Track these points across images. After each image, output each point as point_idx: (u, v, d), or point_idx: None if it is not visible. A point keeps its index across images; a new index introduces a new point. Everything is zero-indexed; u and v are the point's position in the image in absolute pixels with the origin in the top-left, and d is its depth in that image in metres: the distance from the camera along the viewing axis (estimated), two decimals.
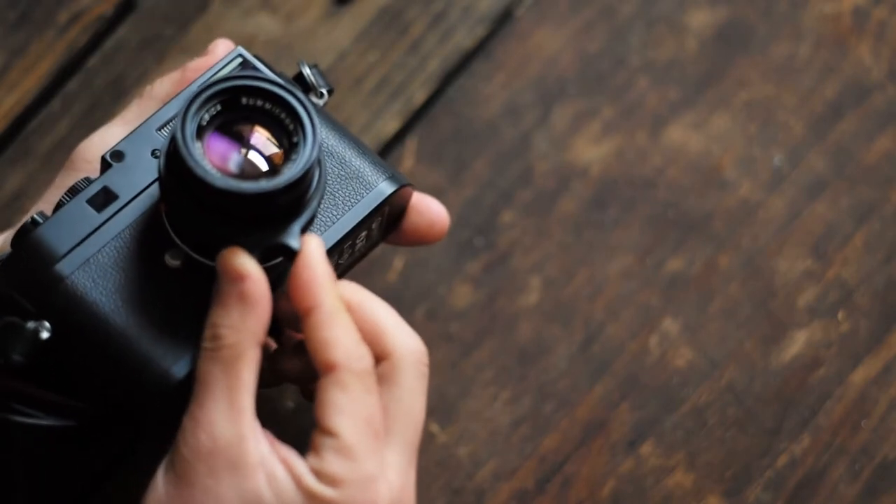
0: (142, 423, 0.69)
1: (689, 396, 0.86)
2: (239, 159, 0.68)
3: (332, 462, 0.66)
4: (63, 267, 0.69)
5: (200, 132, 0.67)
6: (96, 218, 0.70)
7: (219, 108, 0.68)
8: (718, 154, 0.89)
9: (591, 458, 0.85)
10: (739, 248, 0.88)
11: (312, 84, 0.75)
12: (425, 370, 0.69)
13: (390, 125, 0.89)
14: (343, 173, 0.73)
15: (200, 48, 0.89)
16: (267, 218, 0.68)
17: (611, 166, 0.89)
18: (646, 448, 0.85)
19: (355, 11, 0.91)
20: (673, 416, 0.85)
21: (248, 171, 0.68)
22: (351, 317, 0.68)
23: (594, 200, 0.88)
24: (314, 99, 0.75)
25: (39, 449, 0.71)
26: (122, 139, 0.71)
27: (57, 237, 0.70)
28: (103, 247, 0.70)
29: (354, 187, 0.73)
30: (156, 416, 0.70)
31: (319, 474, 0.66)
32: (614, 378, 0.86)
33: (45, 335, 0.69)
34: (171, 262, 0.70)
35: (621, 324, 0.86)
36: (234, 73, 0.70)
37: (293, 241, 0.68)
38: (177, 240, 0.69)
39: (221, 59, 0.73)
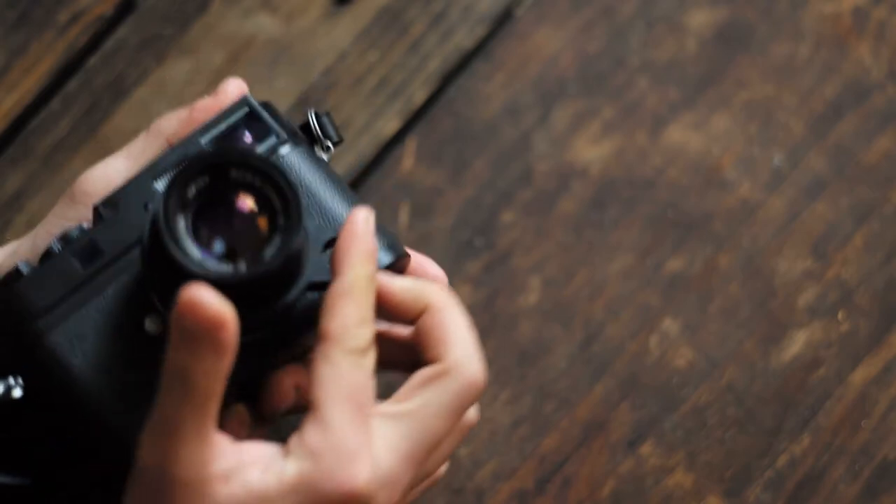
0: (104, 488, 0.68)
1: (689, 396, 0.86)
2: (225, 238, 0.67)
3: (308, 433, 0.65)
4: (43, 324, 0.68)
5: (186, 205, 0.66)
6: (80, 274, 0.68)
7: (207, 180, 0.66)
8: (718, 154, 0.89)
9: (591, 458, 0.85)
10: (739, 248, 0.88)
11: (317, 136, 0.73)
12: (467, 401, 0.68)
13: (390, 125, 0.89)
14: (323, 236, 0.70)
15: (200, 48, 0.89)
16: (254, 297, 0.67)
17: (611, 166, 0.89)
18: (646, 448, 0.85)
19: (355, 11, 0.91)
20: (673, 416, 0.85)
21: (233, 251, 0.67)
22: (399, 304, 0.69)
23: (594, 200, 0.88)
24: (319, 152, 0.73)
25: None
26: (117, 188, 0.70)
27: (40, 291, 0.68)
28: (84, 306, 0.68)
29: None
30: (119, 484, 0.67)
31: (297, 447, 0.65)
32: (614, 378, 0.86)
33: (17, 394, 0.68)
34: (151, 327, 0.68)
35: (621, 324, 0.86)
36: (225, 147, 0.68)
37: (266, 325, 0.67)
38: (158, 306, 0.68)
39: (228, 108, 0.72)
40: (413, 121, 0.89)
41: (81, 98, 0.89)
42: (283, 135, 0.71)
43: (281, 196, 0.66)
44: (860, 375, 0.86)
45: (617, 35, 0.91)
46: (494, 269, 0.87)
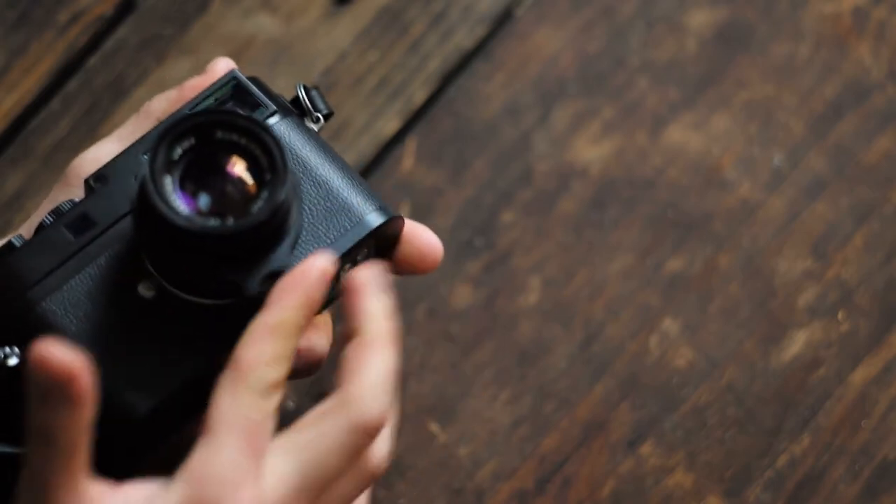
0: (101, 454, 0.68)
1: (689, 396, 0.86)
2: (212, 195, 0.67)
3: (197, 458, 0.65)
4: (35, 293, 0.68)
5: (172, 166, 0.66)
6: (73, 244, 0.69)
7: (193, 141, 0.67)
8: (718, 154, 0.89)
9: (591, 458, 0.85)
10: (739, 248, 0.88)
11: (307, 108, 0.73)
12: (360, 438, 0.66)
13: (390, 125, 0.89)
14: (329, 205, 0.71)
15: (200, 48, 0.89)
16: (242, 254, 0.67)
17: (611, 166, 0.89)
18: (646, 448, 0.85)
19: (355, 11, 0.91)
20: (673, 416, 0.85)
21: (221, 209, 0.67)
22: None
23: (594, 200, 0.88)
24: (309, 124, 0.74)
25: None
26: (108, 162, 0.70)
27: (32, 262, 0.68)
28: (77, 274, 0.69)
29: (339, 219, 0.71)
30: (116, 449, 0.68)
31: (183, 473, 0.65)
32: (614, 378, 0.86)
33: (13, 361, 0.68)
34: (145, 293, 0.68)
35: (621, 324, 0.86)
36: (210, 108, 0.69)
37: (251, 285, 0.67)
38: (151, 270, 0.68)
39: (216, 82, 0.72)
40: (413, 121, 0.89)
41: (81, 98, 0.89)
42: (272, 106, 0.72)
43: (266, 152, 0.67)
44: (860, 375, 0.86)
45: (617, 35, 0.91)
46: (494, 269, 0.87)
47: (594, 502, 0.84)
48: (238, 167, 0.68)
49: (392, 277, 0.70)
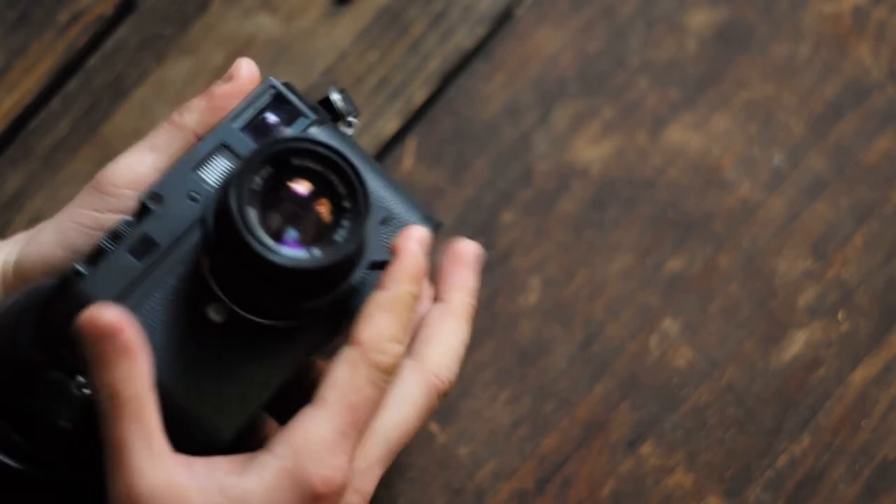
0: None
1: (689, 396, 0.86)
2: (294, 225, 0.68)
3: (300, 427, 0.68)
4: None
5: (253, 196, 0.67)
6: (137, 268, 0.69)
7: (270, 170, 0.67)
8: (718, 154, 0.89)
9: (591, 458, 0.85)
10: (739, 248, 0.88)
11: (341, 112, 0.75)
12: (432, 403, 0.72)
13: (390, 125, 0.89)
14: (377, 215, 0.73)
15: (200, 48, 0.89)
16: (323, 281, 0.68)
17: (611, 166, 0.89)
18: (646, 448, 0.85)
19: (355, 11, 0.91)
20: (673, 416, 0.85)
21: (304, 239, 0.68)
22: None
23: (594, 200, 0.88)
24: (343, 128, 0.75)
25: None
26: (160, 180, 0.71)
27: (100, 290, 0.69)
28: (146, 299, 0.69)
29: (387, 229, 0.73)
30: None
31: (282, 441, 0.68)
32: (614, 378, 0.86)
33: (88, 391, 0.69)
34: (214, 316, 0.69)
35: (621, 324, 0.86)
36: (288, 136, 0.68)
37: (325, 304, 0.69)
38: (220, 294, 0.69)
39: (254, 93, 0.72)
40: (413, 121, 0.89)
41: (81, 98, 0.89)
42: (312, 115, 0.72)
43: (345, 181, 0.68)
44: (860, 375, 0.86)
45: (617, 35, 0.91)
46: (494, 269, 0.87)
47: (594, 502, 0.84)
48: (316, 194, 0.68)
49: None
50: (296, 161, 0.68)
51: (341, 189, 0.68)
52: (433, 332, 0.72)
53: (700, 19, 0.91)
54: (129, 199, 0.71)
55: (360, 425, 0.68)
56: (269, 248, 0.66)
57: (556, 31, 0.91)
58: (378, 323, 0.69)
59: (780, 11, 0.91)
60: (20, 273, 0.72)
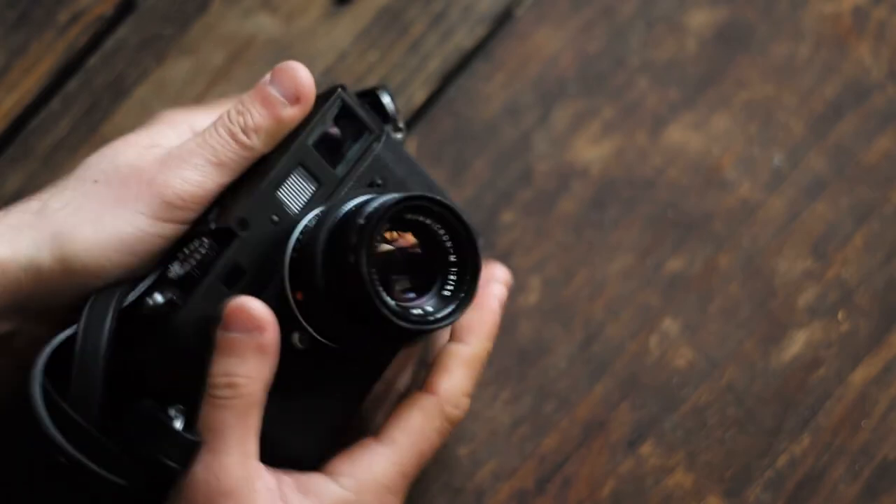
0: None
1: (689, 396, 0.86)
2: (406, 281, 0.70)
3: (366, 462, 0.71)
4: (201, 348, 0.69)
5: (372, 256, 0.68)
6: (227, 295, 0.70)
7: (388, 226, 0.69)
8: (718, 154, 0.89)
9: (591, 458, 0.85)
10: (739, 248, 0.88)
11: (392, 116, 0.76)
12: (446, 432, 0.73)
13: None
14: None
15: (200, 48, 0.89)
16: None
17: (611, 166, 0.89)
18: (646, 448, 0.85)
19: (355, 11, 0.91)
20: (673, 416, 0.85)
21: (416, 295, 0.70)
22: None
23: (594, 200, 0.88)
24: (393, 133, 0.76)
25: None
26: (243, 203, 0.71)
27: (194, 318, 0.70)
28: None
29: None
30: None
31: (347, 474, 0.71)
32: (614, 378, 0.86)
33: (178, 424, 0.69)
34: (298, 343, 0.71)
35: (621, 324, 0.86)
36: (405, 196, 0.69)
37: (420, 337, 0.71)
38: (304, 323, 0.70)
39: (324, 108, 0.73)
40: (413, 121, 0.89)
41: (81, 98, 0.89)
42: (376, 130, 0.74)
43: (453, 234, 0.69)
44: (860, 375, 0.86)
45: (617, 35, 0.91)
46: None
47: (594, 502, 0.84)
48: (423, 250, 0.70)
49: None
50: (410, 216, 0.69)
51: (447, 243, 0.70)
52: (450, 367, 0.74)
53: (700, 19, 0.91)
54: (193, 214, 0.71)
55: (420, 469, 0.71)
56: (398, 315, 0.68)
57: (556, 31, 0.91)
58: (456, 377, 0.72)
59: (780, 11, 0.91)
60: (69, 269, 0.71)
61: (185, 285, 0.70)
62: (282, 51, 0.90)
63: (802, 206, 0.88)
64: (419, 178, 0.74)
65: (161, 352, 0.69)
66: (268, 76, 0.73)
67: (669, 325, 0.87)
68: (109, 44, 0.90)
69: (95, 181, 0.72)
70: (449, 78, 0.90)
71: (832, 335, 0.87)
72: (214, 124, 0.73)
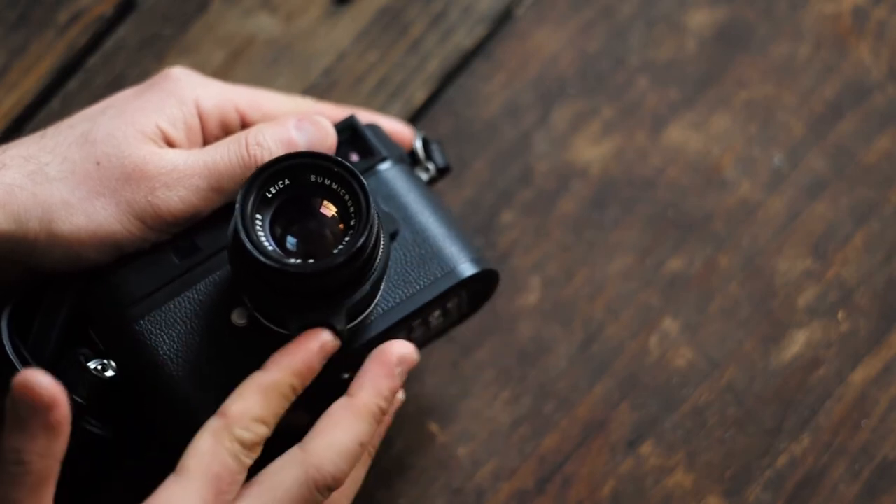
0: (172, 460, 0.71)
1: (689, 396, 0.86)
2: (299, 237, 0.70)
3: (163, 492, 0.69)
4: (135, 311, 0.72)
5: (265, 205, 0.69)
6: (176, 267, 0.73)
7: (287, 182, 0.69)
8: (718, 154, 0.89)
9: (591, 458, 0.85)
10: (739, 248, 0.88)
11: (419, 158, 0.79)
12: (311, 496, 0.71)
13: None
14: (423, 251, 0.74)
15: (200, 48, 0.89)
16: (324, 293, 0.70)
17: (611, 166, 0.89)
18: (646, 448, 0.85)
19: (355, 11, 0.91)
20: (673, 416, 0.85)
21: (307, 250, 0.70)
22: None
23: (594, 200, 0.88)
24: (419, 172, 0.78)
25: (94, 452, 0.74)
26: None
27: (136, 280, 0.72)
28: (176, 297, 0.72)
29: (431, 266, 0.74)
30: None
31: None
32: (614, 378, 0.86)
33: (109, 373, 0.72)
34: (237, 320, 0.72)
35: (621, 324, 0.86)
36: (304, 151, 0.70)
37: (338, 322, 0.70)
38: (245, 300, 0.71)
39: (337, 125, 0.75)
40: (413, 121, 0.89)
41: (81, 98, 0.89)
42: (384, 152, 0.75)
43: (354, 198, 0.69)
44: (860, 375, 0.86)
45: (617, 35, 0.91)
46: None
47: (594, 502, 0.84)
48: (327, 210, 0.70)
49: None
50: (314, 178, 0.70)
51: (350, 206, 0.69)
52: (327, 426, 0.71)
53: (700, 19, 0.91)
54: (181, 228, 0.73)
55: (224, 496, 0.68)
56: (260, 248, 0.68)
57: (556, 31, 0.91)
58: (248, 401, 0.69)
59: (780, 11, 0.91)
60: (53, 243, 0.72)
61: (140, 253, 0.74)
62: (282, 51, 0.90)
63: (802, 206, 0.88)
64: (424, 202, 0.75)
65: (98, 302, 0.73)
66: (293, 120, 0.74)
67: (669, 325, 0.87)
68: (109, 44, 0.90)
69: (98, 163, 0.72)
70: (449, 78, 0.90)
71: (832, 335, 0.87)
72: (229, 148, 0.73)
